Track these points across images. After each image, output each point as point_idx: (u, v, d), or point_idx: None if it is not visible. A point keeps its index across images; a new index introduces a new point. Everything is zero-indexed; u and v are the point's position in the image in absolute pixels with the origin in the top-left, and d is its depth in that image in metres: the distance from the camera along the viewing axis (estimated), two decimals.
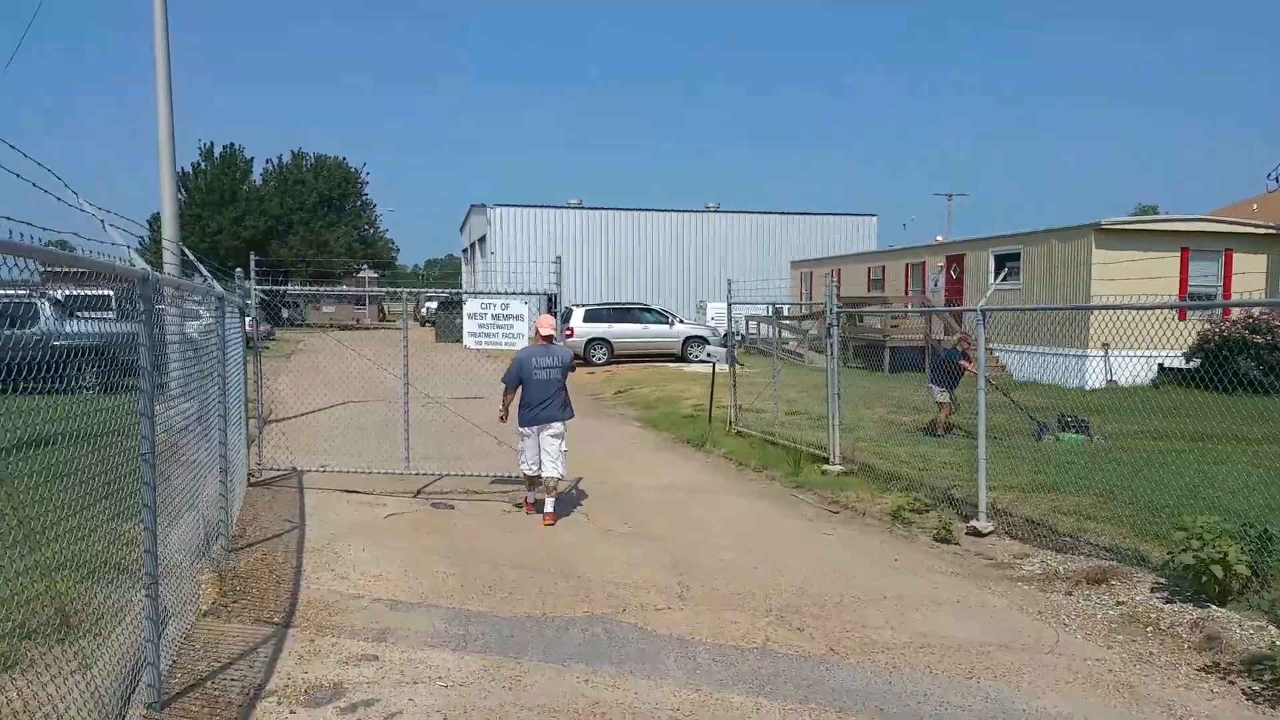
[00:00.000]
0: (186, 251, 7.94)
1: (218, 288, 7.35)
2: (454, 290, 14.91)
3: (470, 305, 10.66)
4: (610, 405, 19.84)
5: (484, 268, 50.22)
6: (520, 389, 9.11)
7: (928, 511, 9.54)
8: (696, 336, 29.49)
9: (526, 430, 9.09)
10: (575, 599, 6.56)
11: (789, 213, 51.83)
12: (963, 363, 13.28)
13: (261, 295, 10.56)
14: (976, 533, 8.68)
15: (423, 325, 74.82)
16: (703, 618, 6.22)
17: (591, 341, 28.41)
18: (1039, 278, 22.99)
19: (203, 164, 60.18)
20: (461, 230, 65.86)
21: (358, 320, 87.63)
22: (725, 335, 32.26)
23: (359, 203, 69.25)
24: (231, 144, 61.53)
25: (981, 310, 8.81)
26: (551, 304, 14.57)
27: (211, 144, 60.45)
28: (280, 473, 10.83)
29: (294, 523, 8.71)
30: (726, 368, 15.51)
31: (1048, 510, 9.19)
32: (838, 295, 12.25)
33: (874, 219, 52.79)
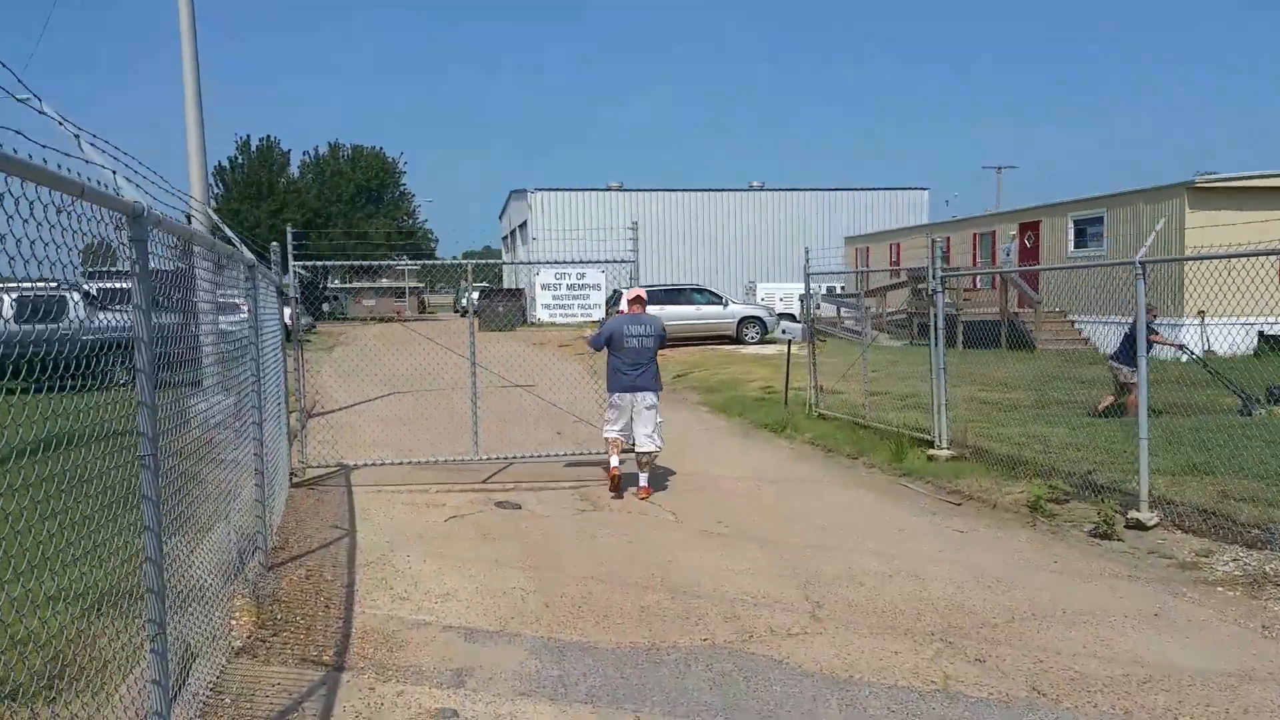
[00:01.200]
0: (211, 214, 6.84)
1: (247, 254, 6.23)
2: (516, 261, 13.69)
3: (544, 275, 9.98)
4: (671, 389, 18.55)
5: (526, 254, 49.20)
6: (610, 356, 8.86)
7: (1068, 501, 8.23)
8: (752, 317, 28.12)
9: (618, 399, 8.82)
10: (687, 622, 5.35)
11: (836, 189, 50.18)
12: (1153, 337, 11.54)
13: (302, 273, 9.45)
14: (1139, 525, 7.34)
15: (462, 316, 73.85)
16: (852, 646, 4.98)
17: None
18: (1125, 243, 21.34)
19: (239, 158, 59.54)
20: (501, 218, 64.98)
21: (398, 313, 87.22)
22: (778, 313, 30.84)
23: (397, 193, 68.47)
24: (268, 136, 60.87)
25: (1140, 263, 7.44)
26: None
27: (248, 137, 59.75)
28: (326, 470, 9.76)
29: (343, 529, 7.61)
30: (798, 348, 14.26)
31: (1215, 496, 7.84)
32: (928, 264, 10.99)
33: (926, 193, 50.99)
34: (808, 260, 13.23)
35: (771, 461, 10.79)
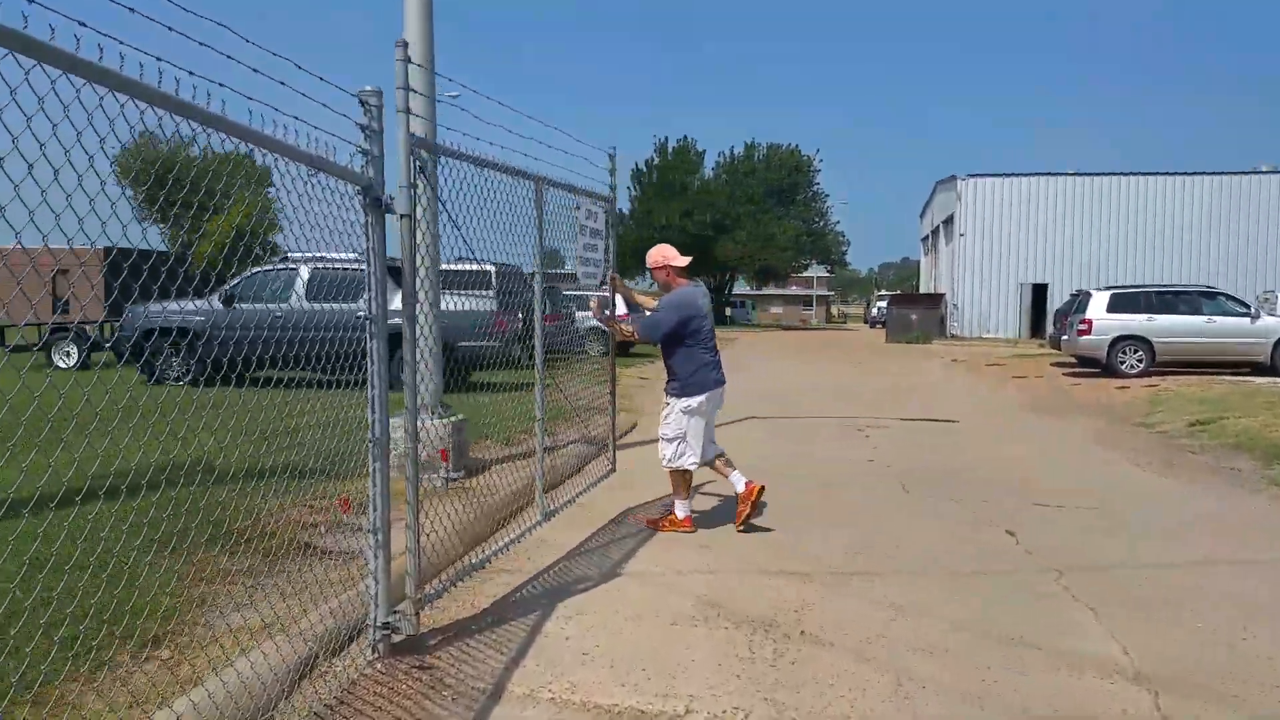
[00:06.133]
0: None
1: None
2: (583, 189, 7.41)
3: (581, 212, 6.72)
4: (1191, 447, 11.07)
5: (950, 254, 41.70)
6: (678, 347, 6.21)
7: None
8: None
9: (704, 401, 6.22)
10: None
11: None
12: None
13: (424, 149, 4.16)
14: None
15: (872, 327, 67.07)
16: None
17: (1120, 341, 19.17)
18: None
19: (655, 159, 59.25)
20: (922, 216, 57.63)
21: (803, 321, 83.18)
22: None
23: (809, 193, 64.10)
24: (684, 137, 60.27)
25: None
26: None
27: (665, 139, 59.38)
28: (516, 596, 4.50)
29: None
30: None
31: None
32: None
33: None
34: None
35: None
